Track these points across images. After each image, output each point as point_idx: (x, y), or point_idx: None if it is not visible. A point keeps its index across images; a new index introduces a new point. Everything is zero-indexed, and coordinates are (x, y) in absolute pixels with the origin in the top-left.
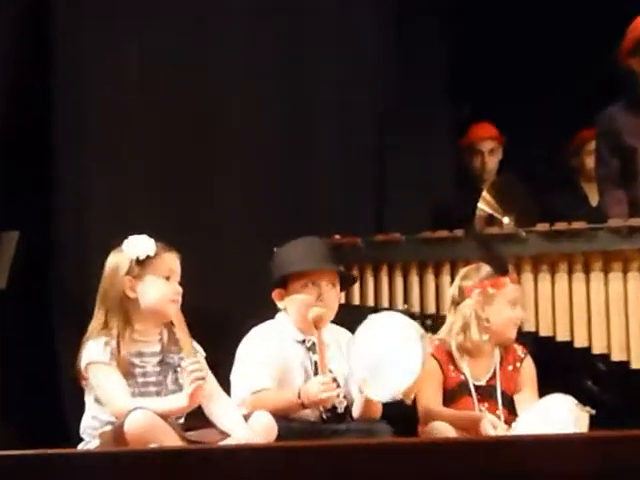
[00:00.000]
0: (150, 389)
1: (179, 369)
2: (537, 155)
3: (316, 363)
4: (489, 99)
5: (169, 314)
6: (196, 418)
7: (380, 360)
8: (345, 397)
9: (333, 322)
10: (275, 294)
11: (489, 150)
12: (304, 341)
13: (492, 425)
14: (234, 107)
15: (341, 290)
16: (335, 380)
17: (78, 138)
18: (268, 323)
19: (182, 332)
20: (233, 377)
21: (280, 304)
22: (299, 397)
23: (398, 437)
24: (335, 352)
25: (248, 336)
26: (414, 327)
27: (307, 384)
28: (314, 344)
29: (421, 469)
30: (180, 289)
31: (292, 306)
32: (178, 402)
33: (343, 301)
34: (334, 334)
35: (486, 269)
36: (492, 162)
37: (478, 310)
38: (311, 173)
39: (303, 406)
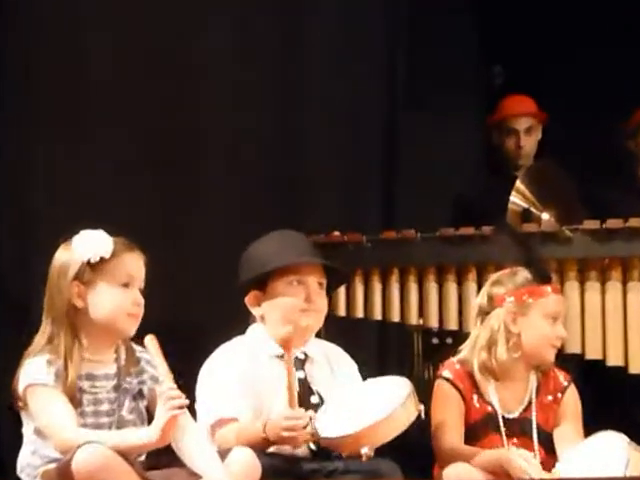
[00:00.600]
0: (102, 420)
1: (139, 396)
2: (585, 137)
3: (299, 380)
4: (526, 67)
5: (124, 330)
6: (159, 455)
7: (348, 395)
8: None
9: (325, 337)
10: (250, 298)
11: (525, 129)
12: (283, 356)
13: (525, 461)
14: (221, 82)
15: (328, 293)
16: (309, 414)
17: (26, 105)
18: (237, 339)
19: (156, 355)
20: (197, 405)
21: (255, 310)
22: (264, 431)
23: (409, 478)
24: (324, 371)
25: (212, 355)
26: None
27: (271, 419)
28: (297, 359)
29: None
30: (141, 299)
31: (274, 311)
32: (145, 436)
33: (344, 313)
34: (323, 349)
35: (523, 274)
36: (529, 144)
37: (509, 323)
38: (307, 159)
39: (269, 442)
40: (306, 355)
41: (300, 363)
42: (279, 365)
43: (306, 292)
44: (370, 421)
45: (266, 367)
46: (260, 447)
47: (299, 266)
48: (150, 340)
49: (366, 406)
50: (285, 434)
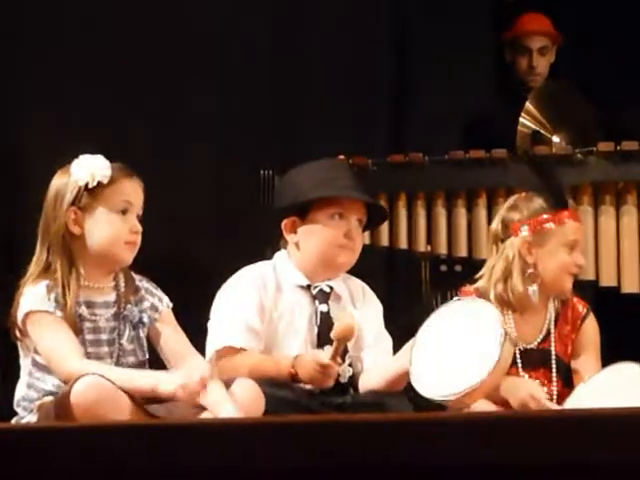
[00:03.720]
0: (102, 349)
1: (139, 325)
2: (599, 56)
3: (322, 314)
4: None
5: (121, 258)
6: None
7: (444, 352)
8: (351, 365)
9: None
10: (287, 224)
11: (539, 48)
12: (309, 287)
13: (533, 396)
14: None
15: (365, 230)
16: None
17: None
18: (261, 264)
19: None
20: (209, 332)
21: (291, 237)
22: (293, 367)
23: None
24: (347, 306)
25: (232, 279)
26: (496, 318)
27: (304, 356)
28: (321, 291)
29: (451, 450)
30: (139, 227)
31: (310, 240)
32: (163, 385)
33: None
34: (349, 285)
35: (539, 201)
36: (542, 64)
37: (524, 253)
38: (313, 79)
39: (293, 379)
40: (331, 289)
41: (325, 297)
42: (302, 296)
43: (347, 228)
44: (474, 381)
45: (288, 296)
46: (279, 381)
47: (344, 200)
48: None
49: (465, 362)
50: (314, 379)
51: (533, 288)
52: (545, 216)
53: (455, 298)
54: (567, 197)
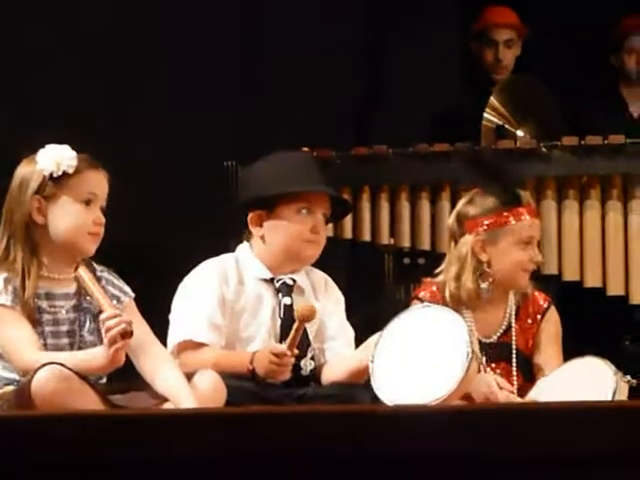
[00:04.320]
0: (62, 341)
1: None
2: (565, 51)
3: (285, 307)
4: None
5: (84, 249)
6: (123, 378)
7: (408, 360)
8: (313, 358)
9: None
10: (253, 217)
11: (505, 41)
12: (272, 280)
13: (497, 385)
14: None
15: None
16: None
17: None
18: (224, 256)
19: (90, 285)
20: (170, 319)
21: (256, 230)
22: (250, 363)
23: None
24: (310, 299)
25: (193, 272)
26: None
27: (260, 351)
28: (285, 284)
29: (412, 441)
30: (102, 218)
31: (276, 235)
32: (97, 359)
33: None
34: (312, 278)
35: (493, 198)
36: (508, 57)
37: (477, 251)
38: (271, 68)
39: (252, 375)
40: (294, 282)
41: (288, 289)
42: (265, 289)
43: (313, 223)
44: (438, 395)
45: (250, 289)
46: (239, 376)
47: (311, 195)
48: (81, 270)
49: (429, 375)
50: (270, 371)
51: (484, 286)
52: (498, 214)
53: (421, 305)
54: (521, 194)
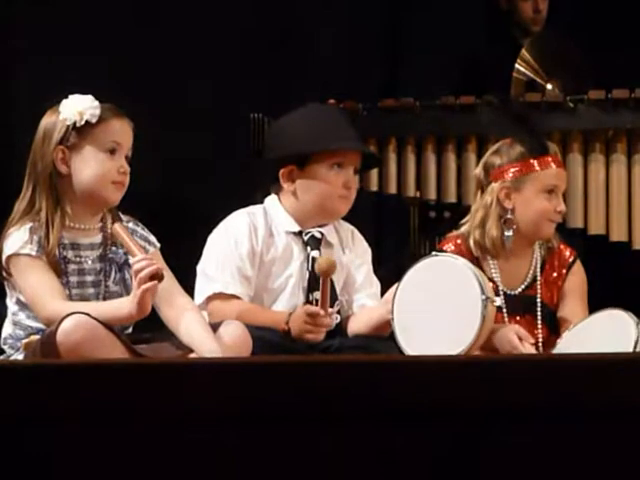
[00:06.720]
0: (88, 291)
1: (125, 266)
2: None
3: (314, 260)
4: None
5: (109, 199)
6: (148, 328)
7: (425, 313)
8: (339, 312)
9: None
10: (285, 172)
11: None
12: (300, 233)
13: (518, 337)
14: None
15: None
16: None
17: None
18: (251, 208)
19: (126, 239)
20: (197, 277)
21: (287, 185)
22: (286, 324)
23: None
24: (337, 252)
25: (222, 223)
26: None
27: (296, 312)
28: (313, 237)
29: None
30: (127, 167)
31: (309, 191)
32: (123, 308)
33: None
34: (339, 231)
35: (520, 147)
36: (545, 9)
37: (502, 199)
38: (299, 22)
39: (287, 335)
40: (322, 235)
41: (316, 243)
42: (293, 241)
43: (345, 177)
44: (459, 348)
45: (279, 241)
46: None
47: (347, 151)
48: (118, 227)
49: (448, 325)
50: (306, 335)
51: (508, 234)
52: (524, 161)
53: (433, 253)
54: (547, 144)
